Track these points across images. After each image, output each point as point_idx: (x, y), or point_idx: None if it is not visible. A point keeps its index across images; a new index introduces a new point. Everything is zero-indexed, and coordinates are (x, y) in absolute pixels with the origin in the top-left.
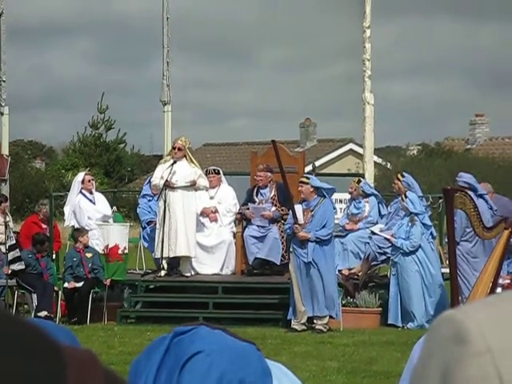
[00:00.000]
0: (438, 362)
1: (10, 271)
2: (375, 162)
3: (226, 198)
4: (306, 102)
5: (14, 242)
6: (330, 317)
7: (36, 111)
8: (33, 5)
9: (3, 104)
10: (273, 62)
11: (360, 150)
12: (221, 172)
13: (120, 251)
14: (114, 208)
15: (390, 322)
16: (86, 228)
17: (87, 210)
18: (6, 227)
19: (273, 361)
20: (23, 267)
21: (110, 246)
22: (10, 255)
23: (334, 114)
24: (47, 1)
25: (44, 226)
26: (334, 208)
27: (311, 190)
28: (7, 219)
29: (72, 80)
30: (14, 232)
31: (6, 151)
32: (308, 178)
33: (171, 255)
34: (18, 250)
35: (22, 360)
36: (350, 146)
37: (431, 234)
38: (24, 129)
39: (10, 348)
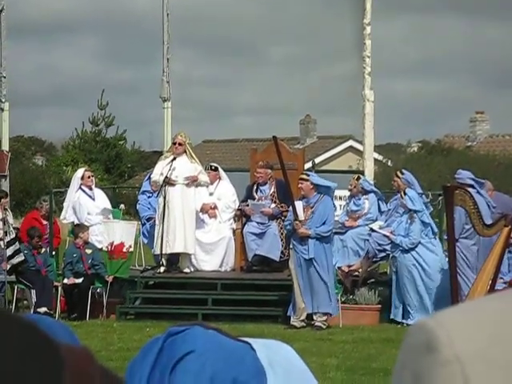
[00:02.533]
0: (410, 371)
1: (8, 266)
2: (375, 159)
3: (226, 194)
4: (306, 98)
5: (14, 236)
6: (329, 314)
7: (39, 107)
8: (39, 2)
9: (3, 100)
10: (275, 59)
11: (360, 147)
12: (219, 168)
13: (125, 249)
14: (122, 206)
15: (392, 317)
16: (86, 224)
17: (87, 205)
18: (4, 223)
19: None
20: (22, 258)
21: (115, 244)
22: (9, 250)
23: (334, 110)
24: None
25: (44, 222)
26: (334, 205)
27: (311, 186)
28: (6, 215)
29: (75, 76)
30: (14, 228)
31: (6, 147)
32: (308, 175)
33: (169, 251)
34: (17, 243)
35: (17, 358)
36: (350, 142)
37: (432, 230)
38: (27, 125)
39: (5, 346)
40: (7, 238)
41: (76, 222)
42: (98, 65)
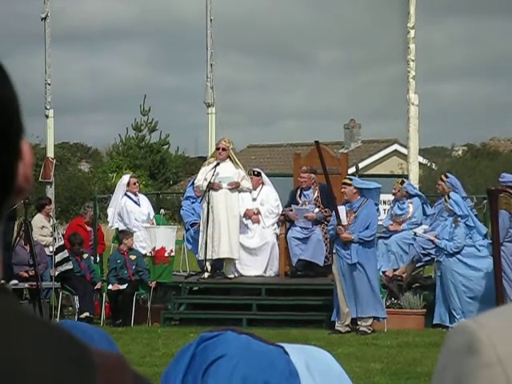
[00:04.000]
0: (451, 372)
1: (56, 273)
2: (420, 163)
3: (268, 199)
4: (352, 103)
5: (62, 243)
6: (375, 318)
7: (85, 114)
8: (87, 10)
9: (48, 107)
10: (321, 64)
11: (405, 151)
12: (262, 173)
13: (166, 254)
14: (162, 211)
15: (435, 322)
16: (134, 230)
17: (133, 211)
18: (54, 230)
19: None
20: (71, 267)
21: (156, 249)
22: (58, 256)
23: (379, 114)
24: (105, 7)
25: (89, 228)
26: (378, 209)
27: (354, 191)
28: (52, 222)
29: (121, 83)
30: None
31: (51, 154)
32: (351, 180)
33: (214, 257)
34: (65, 251)
35: (54, 364)
36: (395, 146)
37: (478, 233)
38: (73, 131)
39: (40, 352)
40: (56, 244)
41: (121, 227)
42: (145, 71)
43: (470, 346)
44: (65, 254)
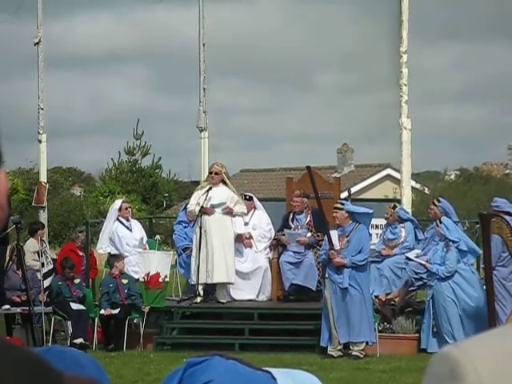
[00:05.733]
0: None
1: (44, 297)
2: (413, 187)
3: (261, 223)
4: (345, 127)
5: (52, 267)
6: (366, 343)
7: (81, 138)
8: (80, 34)
9: (41, 132)
10: (314, 88)
11: (398, 176)
12: (254, 198)
13: (161, 279)
14: (157, 236)
15: (422, 346)
16: (126, 254)
17: (124, 236)
18: (41, 254)
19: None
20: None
21: (151, 274)
22: (47, 281)
23: (372, 139)
24: (101, 31)
25: (81, 253)
26: (370, 234)
27: (346, 215)
28: (43, 246)
29: (118, 107)
30: (52, 259)
31: (44, 178)
32: (342, 204)
33: (209, 282)
34: (53, 274)
35: None
36: (388, 171)
37: (471, 256)
38: (69, 156)
39: (11, 377)
40: (44, 270)
41: (113, 252)
42: (141, 95)
43: (454, 372)
44: (52, 278)
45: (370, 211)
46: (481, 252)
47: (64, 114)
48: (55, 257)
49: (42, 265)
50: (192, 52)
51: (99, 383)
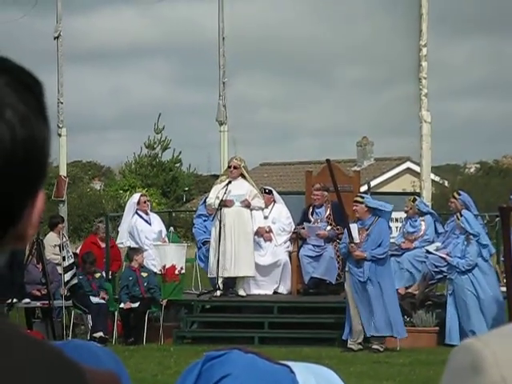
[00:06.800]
0: None
1: (66, 292)
2: (433, 181)
3: (280, 217)
4: (365, 120)
5: (72, 261)
6: (393, 336)
7: (102, 132)
8: (103, 29)
9: (61, 126)
10: (335, 82)
11: (417, 169)
12: (273, 191)
13: (177, 271)
14: (171, 229)
15: (447, 342)
16: (145, 247)
17: (143, 230)
18: (62, 248)
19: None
20: (76, 281)
21: (166, 267)
22: (67, 275)
23: (393, 132)
24: (122, 24)
25: (103, 245)
26: (390, 227)
27: (366, 209)
28: (64, 240)
29: (140, 101)
30: (74, 253)
31: (64, 172)
32: (362, 198)
33: (230, 275)
34: (74, 268)
35: (45, 382)
36: (408, 164)
37: (489, 251)
38: (90, 150)
39: (32, 372)
40: (65, 263)
41: (132, 246)
42: (162, 89)
43: (475, 365)
44: (73, 271)
45: (389, 209)
46: (494, 251)
47: (85, 108)
48: (75, 251)
49: (64, 258)
50: (212, 46)
51: (118, 377)
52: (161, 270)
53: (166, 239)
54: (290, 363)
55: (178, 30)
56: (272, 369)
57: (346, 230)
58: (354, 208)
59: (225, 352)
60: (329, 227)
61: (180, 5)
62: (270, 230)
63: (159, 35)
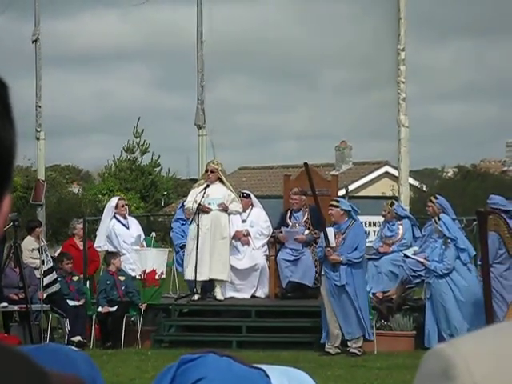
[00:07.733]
0: None
1: (44, 296)
2: (411, 185)
3: (258, 221)
4: (344, 124)
5: (51, 265)
6: (364, 338)
7: (82, 136)
8: (81, 32)
9: (39, 129)
10: (312, 86)
11: (396, 173)
12: (251, 195)
13: (157, 276)
14: (153, 233)
15: (426, 345)
16: (123, 251)
17: (121, 234)
18: (41, 252)
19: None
20: (58, 288)
21: (147, 271)
22: (47, 279)
23: (371, 136)
24: (103, 28)
25: (81, 247)
26: (366, 231)
27: (341, 213)
28: (41, 244)
29: (120, 105)
30: (52, 257)
31: (42, 176)
32: (338, 201)
33: (201, 279)
34: (54, 272)
35: None
36: (386, 168)
37: (468, 254)
38: (68, 153)
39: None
40: (44, 267)
41: (110, 250)
42: (142, 93)
43: (446, 371)
44: (53, 276)
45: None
46: (474, 253)
47: (65, 111)
48: (53, 254)
49: (43, 262)
50: (192, 49)
51: (85, 382)
52: (141, 275)
53: (144, 244)
54: (264, 367)
55: (160, 34)
56: (247, 372)
57: (322, 233)
58: (330, 212)
59: (200, 355)
60: (307, 231)
61: (161, 9)
62: (248, 234)
63: (141, 39)
